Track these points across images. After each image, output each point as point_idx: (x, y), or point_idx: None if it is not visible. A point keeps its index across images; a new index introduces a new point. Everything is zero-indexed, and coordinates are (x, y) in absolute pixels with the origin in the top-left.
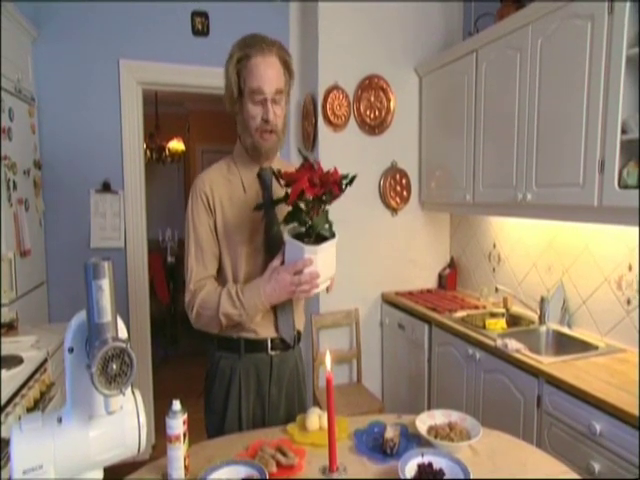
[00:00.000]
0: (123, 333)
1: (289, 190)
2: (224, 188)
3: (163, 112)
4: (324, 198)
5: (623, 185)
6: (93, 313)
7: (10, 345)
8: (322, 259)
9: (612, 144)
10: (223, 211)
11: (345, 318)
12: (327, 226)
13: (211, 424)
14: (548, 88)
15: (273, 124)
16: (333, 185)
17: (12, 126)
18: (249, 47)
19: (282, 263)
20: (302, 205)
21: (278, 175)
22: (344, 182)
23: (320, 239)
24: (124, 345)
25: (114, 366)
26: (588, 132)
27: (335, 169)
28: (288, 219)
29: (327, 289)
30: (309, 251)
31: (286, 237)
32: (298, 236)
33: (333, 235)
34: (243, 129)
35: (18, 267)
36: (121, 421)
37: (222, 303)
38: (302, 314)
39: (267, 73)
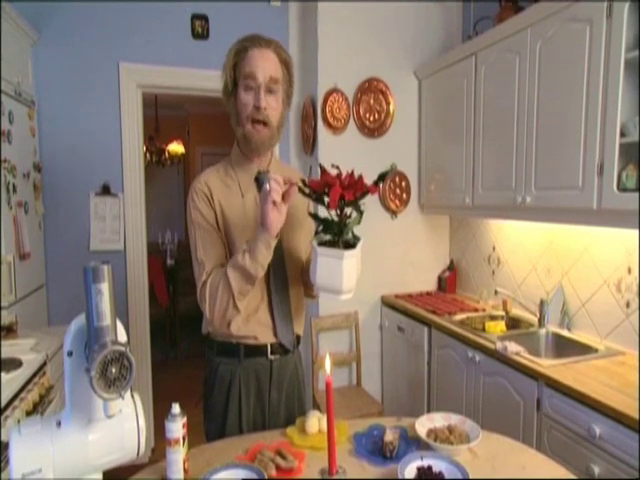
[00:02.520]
0: (122, 337)
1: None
2: (222, 192)
3: (163, 115)
4: (357, 204)
5: (622, 188)
6: (92, 317)
7: (9, 348)
8: (356, 262)
9: (611, 147)
10: (223, 214)
11: (344, 321)
12: (351, 233)
13: (211, 430)
14: (547, 91)
15: (265, 113)
16: (369, 187)
17: (12, 129)
18: (247, 41)
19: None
20: (336, 212)
21: (303, 184)
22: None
23: (346, 244)
24: (123, 349)
25: (113, 370)
26: (587, 135)
27: (360, 176)
28: (323, 230)
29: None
30: (349, 256)
31: (317, 247)
32: (325, 244)
33: (357, 241)
34: (236, 120)
35: (17, 270)
36: (120, 425)
37: (230, 262)
38: (302, 318)
39: (262, 61)
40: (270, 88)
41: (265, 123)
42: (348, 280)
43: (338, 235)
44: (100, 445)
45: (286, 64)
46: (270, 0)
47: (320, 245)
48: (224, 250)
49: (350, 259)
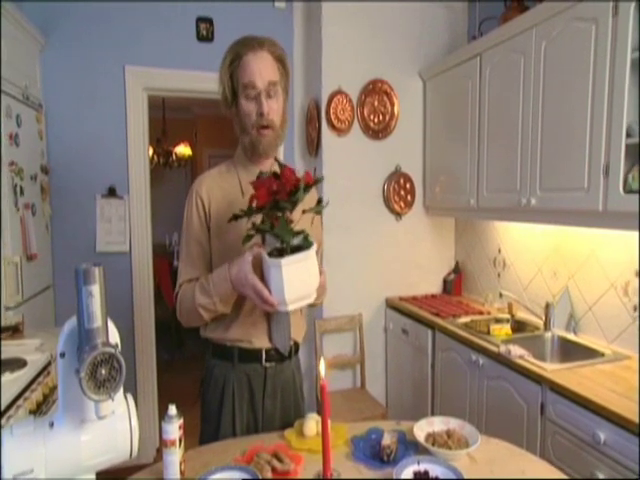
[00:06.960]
0: (114, 338)
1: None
2: (221, 192)
3: (170, 117)
4: (280, 205)
5: (628, 189)
6: (83, 318)
7: (15, 348)
8: (292, 273)
9: (617, 148)
10: (219, 217)
11: (349, 323)
12: (301, 237)
13: (205, 431)
14: (552, 92)
15: (269, 118)
16: (286, 190)
17: (20, 132)
18: (240, 47)
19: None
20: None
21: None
22: (301, 186)
23: (296, 251)
24: (113, 350)
25: (103, 371)
26: (592, 136)
27: (307, 172)
28: (269, 234)
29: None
30: (273, 265)
31: (263, 254)
32: (278, 251)
33: (309, 246)
34: (241, 129)
35: (24, 271)
36: (113, 426)
37: (196, 294)
38: (302, 324)
39: (258, 67)
40: (270, 93)
41: (270, 127)
42: (290, 289)
43: (281, 237)
44: (93, 446)
45: (281, 60)
46: (274, 2)
47: (269, 255)
48: (204, 263)
49: (289, 267)
